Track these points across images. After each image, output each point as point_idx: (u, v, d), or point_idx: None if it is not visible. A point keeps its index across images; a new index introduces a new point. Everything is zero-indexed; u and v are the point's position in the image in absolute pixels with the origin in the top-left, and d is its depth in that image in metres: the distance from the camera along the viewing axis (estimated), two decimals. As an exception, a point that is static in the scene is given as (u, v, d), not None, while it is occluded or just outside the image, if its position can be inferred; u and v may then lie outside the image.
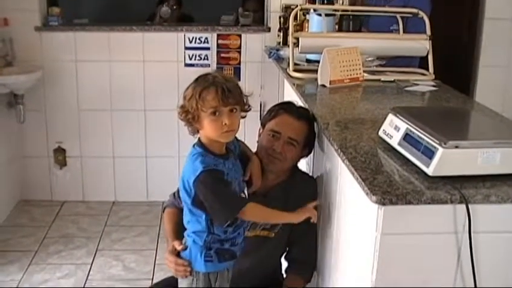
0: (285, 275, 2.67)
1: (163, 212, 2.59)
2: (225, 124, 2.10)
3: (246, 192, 2.31)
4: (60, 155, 4.71)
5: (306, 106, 2.73)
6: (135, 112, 4.64)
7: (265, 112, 2.70)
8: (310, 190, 2.54)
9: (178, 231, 2.40)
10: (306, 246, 2.58)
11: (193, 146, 2.19)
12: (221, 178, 2.13)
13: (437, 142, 1.86)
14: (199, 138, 2.20)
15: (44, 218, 4.49)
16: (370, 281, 1.83)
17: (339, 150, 2.15)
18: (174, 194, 2.57)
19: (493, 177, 1.86)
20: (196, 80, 2.15)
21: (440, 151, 1.83)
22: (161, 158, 4.72)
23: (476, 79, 4.84)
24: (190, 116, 2.11)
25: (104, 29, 4.54)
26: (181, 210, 2.42)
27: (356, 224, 2.03)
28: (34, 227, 4.35)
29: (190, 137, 2.22)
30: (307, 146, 2.55)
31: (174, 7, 4.92)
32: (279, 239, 2.53)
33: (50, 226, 4.38)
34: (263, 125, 2.55)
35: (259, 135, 2.55)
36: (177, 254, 2.28)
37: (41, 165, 4.73)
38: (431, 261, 1.83)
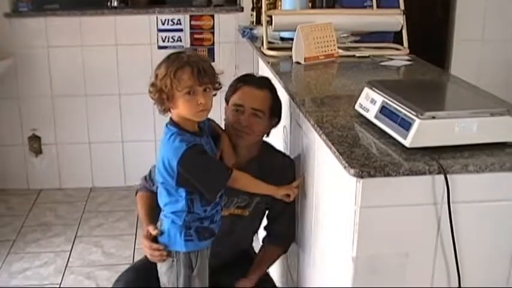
0: (260, 244, 2.70)
1: (136, 195, 2.58)
2: (200, 103, 2.09)
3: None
4: (35, 143, 4.65)
5: (282, 84, 2.71)
6: (110, 97, 4.59)
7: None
8: (289, 171, 2.53)
9: (153, 215, 2.40)
10: (285, 221, 2.59)
11: (166, 125, 2.17)
12: (205, 151, 2.15)
13: (414, 113, 1.85)
14: (171, 118, 2.17)
15: (21, 207, 4.44)
16: (350, 254, 1.83)
17: (316, 126, 2.14)
18: (145, 177, 2.57)
19: (471, 147, 1.86)
20: (169, 58, 2.12)
21: (417, 122, 1.83)
22: (137, 142, 4.68)
23: (451, 53, 4.84)
24: (164, 96, 2.08)
25: (75, 13, 4.46)
26: (154, 193, 2.42)
27: (335, 197, 2.02)
28: (11, 216, 4.30)
29: (166, 119, 2.19)
30: (274, 116, 2.52)
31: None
32: (253, 217, 2.54)
33: (27, 215, 4.33)
34: (227, 101, 2.52)
35: (225, 112, 2.52)
36: (153, 239, 2.26)
37: (16, 154, 4.67)
38: (412, 233, 1.83)
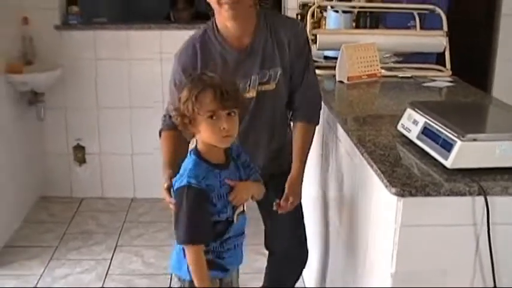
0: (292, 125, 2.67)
1: (160, 136, 2.60)
2: (224, 128, 2.01)
3: (244, 205, 2.21)
4: (80, 152, 4.76)
5: (325, 102, 2.74)
6: (154, 109, 4.65)
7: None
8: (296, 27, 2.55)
9: (176, 157, 2.40)
10: (308, 91, 2.58)
11: (189, 153, 2.12)
12: (196, 198, 2.03)
13: (456, 135, 1.89)
14: (196, 145, 2.12)
15: (64, 214, 4.54)
16: (389, 272, 1.86)
17: (358, 144, 2.19)
18: (165, 116, 2.58)
19: (510, 170, 1.88)
20: (192, 80, 2.07)
21: (458, 144, 1.86)
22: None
23: (494, 75, 4.82)
24: (186, 120, 2.02)
25: (122, 27, 4.58)
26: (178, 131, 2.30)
27: (375, 215, 2.05)
28: (54, 223, 4.40)
29: None
30: None
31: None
32: (279, 88, 2.52)
33: (69, 222, 4.42)
34: None
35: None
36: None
37: (61, 162, 4.78)
38: (451, 253, 1.86)
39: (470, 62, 4.48)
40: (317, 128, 2.60)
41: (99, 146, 4.77)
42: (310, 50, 2.59)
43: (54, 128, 4.68)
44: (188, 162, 2.08)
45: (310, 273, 3.21)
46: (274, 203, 2.39)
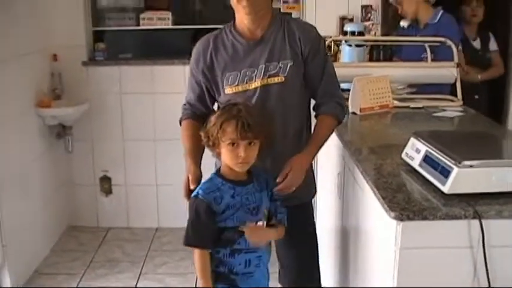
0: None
1: (180, 125, 2.75)
2: (240, 156, 2.24)
3: (261, 223, 2.36)
4: (106, 183, 4.92)
5: (337, 133, 2.85)
6: (177, 141, 4.76)
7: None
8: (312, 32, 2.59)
9: (198, 148, 2.54)
10: (328, 84, 2.62)
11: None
12: (198, 208, 2.28)
13: (453, 162, 2.00)
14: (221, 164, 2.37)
15: (91, 243, 4.68)
16: (391, 290, 1.97)
17: (364, 172, 2.31)
18: (185, 104, 2.79)
19: (507, 194, 1.99)
20: (223, 108, 2.32)
21: (455, 170, 1.98)
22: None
23: (510, 105, 4.88)
24: (211, 142, 2.28)
25: (147, 62, 4.76)
26: (200, 117, 2.59)
27: (378, 239, 2.16)
28: (81, 252, 4.54)
29: None
30: None
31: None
32: (292, 81, 2.55)
33: (96, 251, 4.56)
34: None
35: None
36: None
37: (88, 193, 4.94)
38: (449, 274, 1.96)
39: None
40: (333, 160, 2.70)
41: (124, 177, 4.92)
42: (325, 48, 2.65)
43: (82, 159, 4.85)
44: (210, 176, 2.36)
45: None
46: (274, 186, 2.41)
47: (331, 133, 2.62)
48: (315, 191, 2.79)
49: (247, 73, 2.52)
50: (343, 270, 2.85)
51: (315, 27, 2.62)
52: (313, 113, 2.68)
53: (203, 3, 5.51)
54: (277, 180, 2.39)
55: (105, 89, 4.75)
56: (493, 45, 4.56)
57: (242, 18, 2.53)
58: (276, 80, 2.53)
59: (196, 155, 2.56)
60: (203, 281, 2.34)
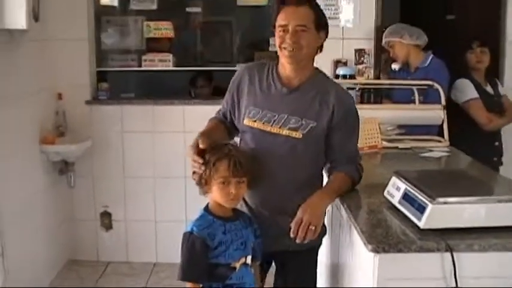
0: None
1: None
2: (231, 193, 2.41)
3: (250, 257, 2.55)
4: (106, 219, 5.05)
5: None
6: (176, 179, 4.96)
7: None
8: (341, 102, 2.63)
9: (213, 133, 2.67)
10: (346, 147, 2.68)
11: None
12: (194, 244, 2.42)
13: (428, 199, 2.15)
14: (208, 202, 2.53)
15: (91, 277, 4.77)
16: (370, 321, 2.09)
17: (348, 209, 2.46)
18: (219, 111, 2.94)
19: (480, 229, 2.13)
20: (214, 147, 2.47)
21: (430, 207, 2.12)
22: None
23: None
24: (203, 180, 2.45)
25: (148, 102, 4.93)
26: (223, 122, 2.82)
27: (359, 271, 2.30)
28: (81, 285, 4.64)
29: None
30: (320, 28, 2.61)
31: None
32: (306, 141, 2.60)
33: (95, 284, 4.67)
34: (273, 26, 2.62)
35: (274, 41, 2.63)
36: (199, 151, 2.48)
37: (89, 228, 5.05)
38: (424, 304, 2.09)
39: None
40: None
41: (124, 213, 5.04)
42: (356, 120, 2.69)
43: (83, 195, 4.97)
44: (198, 214, 2.50)
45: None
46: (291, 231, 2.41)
47: (344, 188, 2.63)
48: (324, 234, 2.82)
49: (268, 115, 2.61)
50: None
51: (352, 98, 2.74)
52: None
53: (204, 45, 5.72)
54: (291, 229, 2.41)
55: (107, 127, 4.90)
56: (502, 90, 4.58)
57: (284, 63, 2.65)
58: (294, 134, 2.60)
59: (209, 133, 2.67)
60: None
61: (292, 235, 2.41)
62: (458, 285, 2.03)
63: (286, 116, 2.60)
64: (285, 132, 2.60)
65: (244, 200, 2.70)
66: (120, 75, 5.20)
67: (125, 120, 4.92)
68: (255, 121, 2.64)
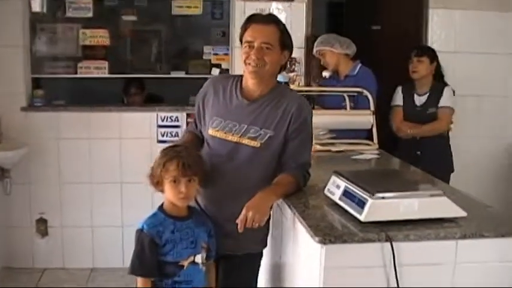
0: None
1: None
2: (182, 192, 2.57)
3: (200, 256, 2.67)
4: (42, 225, 5.03)
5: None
6: (113, 185, 5.02)
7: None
8: (295, 110, 2.77)
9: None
10: (298, 164, 2.82)
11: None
12: (143, 241, 2.58)
13: (368, 194, 2.34)
14: (163, 202, 2.68)
15: (27, 284, 4.77)
16: (317, 306, 2.27)
17: (291, 206, 2.63)
18: (192, 122, 3.05)
19: (415, 221, 2.34)
20: (165, 149, 2.65)
21: (369, 201, 2.32)
22: (136, 227, 5.05)
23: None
24: (155, 180, 2.59)
25: (84, 109, 4.97)
26: (197, 136, 2.95)
27: (306, 262, 2.46)
28: (19, 293, 4.65)
29: None
30: (284, 48, 2.78)
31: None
32: (263, 150, 2.76)
33: (34, 291, 4.69)
34: (241, 41, 2.79)
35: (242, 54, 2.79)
36: None
37: (24, 235, 5.03)
38: (366, 290, 2.29)
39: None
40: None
41: (61, 219, 5.05)
42: (309, 130, 2.85)
43: (19, 202, 4.96)
44: (152, 213, 2.64)
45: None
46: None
47: (289, 189, 2.75)
48: (265, 245, 2.99)
49: (229, 125, 2.78)
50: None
51: (309, 106, 2.88)
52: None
53: (137, 53, 5.81)
54: (236, 222, 2.53)
55: (43, 134, 4.92)
56: (444, 101, 4.59)
57: (247, 77, 2.82)
58: (252, 143, 2.77)
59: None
60: None
61: (240, 231, 2.53)
62: (397, 272, 2.23)
63: (246, 126, 2.77)
64: (244, 141, 2.77)
65: (197, 202, 2.88)
66: (55, 82, 5.22)
67: (61, 127, 4.95)
68: (217, 130, 2.81)
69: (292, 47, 2.87)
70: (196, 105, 2.98)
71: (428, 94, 4.65)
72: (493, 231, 2.34)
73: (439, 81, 4.70)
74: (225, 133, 2.79)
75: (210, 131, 2.84)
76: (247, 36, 2.75)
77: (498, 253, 2.34)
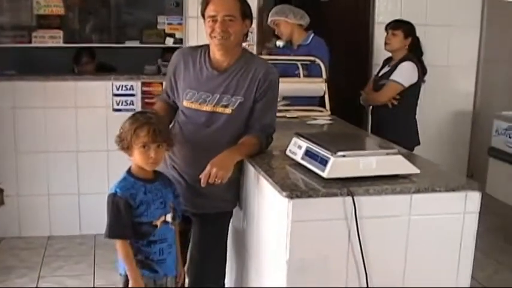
0: None
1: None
2: (151, 157, 2.68)
3: (170, 215, 2.81)
4: (-1, 194, 5.10)
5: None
6: (69, 153, 5.07)
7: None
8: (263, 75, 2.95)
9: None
10: (262, 126, 3.00)
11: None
12: (118, 204, 2.66)
13: (330, 153, 2.52)
14: (130, 165, 2.78)
15: (-16, 252, 4.83)
16: (285, 260, 2.44)
17: (256, 166, 2.78)
18: (163, 91, 3.19)
19: (373, 178, 2.54)
20: (134, 115, 2.74)
21: (332, 159, 2.49)
22: (92, 195, 5.12)
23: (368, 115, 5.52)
24: (125, 145, 2.69)
25: (39, 78, 4.99)
26: (169, 103, 3.11)
27: (273, 215, 2.63)
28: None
29: (119, 175, 2.79)
30: (245, 18, 2.94)
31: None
32: (234, 115, 2.96)
33: (-8, 259, 4.72)
34: (203, 16, 2.94)
35: (205, 29, 2.94)
36: None
37: (-20, 204, 5.07)
38: (330, 241, 2.47)
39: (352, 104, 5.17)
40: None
41: (17, 188, 5.08)
42: (274, 94, 3.04)
43: (-25, 172, 4.97)
44: (120, 177, 2.73)
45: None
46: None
47: (252, 150, 2.93)
48: (236, 204, 3.18)
49: (203, 96, 2.94)
50: (242, 259, 3.29)
51: (277, 74, 3.06)
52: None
53: (87, 23, 5.83)
54: (200, 176, 2.72)
55: (-2, 103, 4.93)
56: (394, 75, 4.63)
57: (214, 50, 2.96)
58: (225, 111, 2.95)
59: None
60: (129, 267, 2.72)
61: (202, 185, 2.72)
62: (358, 224, 2.41)
63: (218, 96, 2.95)
64: (218, 109, 2.96)
65: (174, 162, 3.05)
66: (8, 51, 5.20)
67: (16, 97, 4.96)
68: (192, 102, 2.97)
69: (251, 15, 3.03)
70: (167, 78, 3.13)
71: (391, 67, 4.75)
72: (444, 186, 2.55)
73: (414, 55, 4.75)
74: (200, 104, 2.96)
75: (185, 103, 3.00)
76: (209, 11, 2.89)
77: (448, 206, 2.56)
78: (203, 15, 2.95)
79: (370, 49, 5.45)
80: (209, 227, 3.07)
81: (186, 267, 3.11)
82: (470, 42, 5.73)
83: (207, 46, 3.02)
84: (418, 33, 4.94)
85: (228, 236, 3.21)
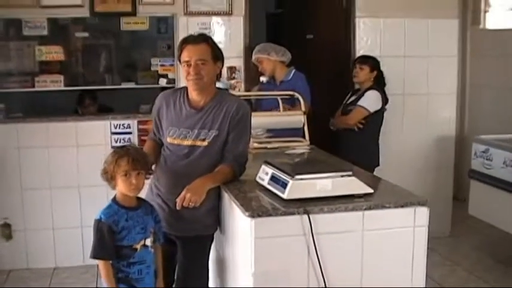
0: None
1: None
2: (133, 183, 2.99)
3: (150, 239, 3.11)
4: (7, 229, 5.35)
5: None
6: (71, 189, 5.37)
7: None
8: (235, 111, 3.27)
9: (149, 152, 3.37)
10: (234, 144, 3.31)
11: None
12: (102, 229, 2.97)
13: (289, 177, 2.83)
14: (115, 194, 3.10)
15: (-5, 285, 5.09)
16: (250, 272, 2.73)
17: (228, 191, 3.10)
18: (152, 132, 3.57)
19: (330, 198, 2.84)
20: (114, 150, 3.09)
21: (290, 182, 2.81)
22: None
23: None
24: (108, 176, 3.02)
25: (42, 120, 5.32)
26: (158, 143, 3.48)
27: (241, 233, 2.94)
28: (-14, 294, 4.95)
29: None
30: (217, 60, 3.32)
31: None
32: (209, 146, 3.29)
33: (2, 291, 4.99)
34: (180, 61, 3.32)
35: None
36: None
37: (-10, 239, 5.36)
38: (291, 255, 2.77)
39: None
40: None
41: (23, 223, 5.37)
42: (246, 126, 3.33)
43: (-16, 209, 5.26)
44: (106, 204, 3.06)
45: None
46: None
47: (225, 177, 3.26)
48: (216, 229, 3.44)
49: (183, 132, 3.31)
50: (222, 276, 3.58)
51: (248, 109, 3.37)
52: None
53: (86, 67, 6.20)
54: (176, 200, 3.09)
55: (4, 144, 5.25)
56: (361, 101, 5.09)
57: (190, 90, 3.34)
58: (202, 143, 3.30)
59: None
60: (109, 285, 3.02)
61: (177, 208, 3.09)
62: (315, 239, 2.71)
63: (196, 131, 3.30)
64: (197, 143, 3.31)
65: (159, 190, 3.39)
66: (14, 96, 5.55)
67: (21, 137, 5.27)
68: (174, 138, 3.34)
69: (223, 57, 3.40)
70: (153, 118, 3.55)
71: (358, 95, 5.19)
72: (394, 203, 2.86)
73: (379, 86, 5.20)
74: (181, 139, 3.33)
75: (169, 139, 3.37)
76: (184, 57, 3.27)
77: (398, 221, 2.87)
78: (179, 60, 3.33)
79: (345, 81, 5.74)
80: (190, 249, 3.38)
81: (174, 286, 3.43)
82: (449, 71, 6.00)
83: (185, 88, 3.40)
84: (397, 65, 5.30)
85: (211, 257, 3.50)
